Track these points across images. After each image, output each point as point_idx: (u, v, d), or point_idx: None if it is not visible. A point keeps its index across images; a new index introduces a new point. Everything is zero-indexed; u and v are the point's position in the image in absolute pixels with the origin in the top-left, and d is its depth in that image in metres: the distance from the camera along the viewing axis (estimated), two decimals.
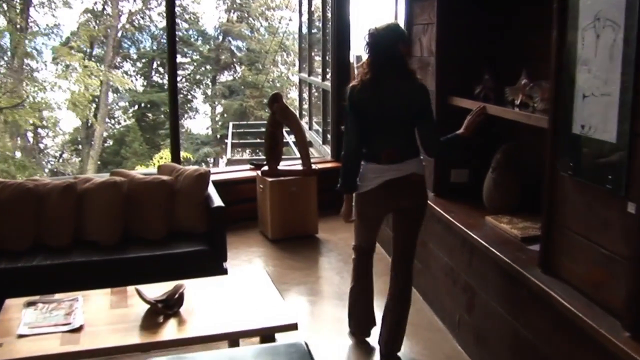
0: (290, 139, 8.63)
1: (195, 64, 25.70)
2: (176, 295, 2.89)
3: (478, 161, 3.69)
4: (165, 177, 4.17)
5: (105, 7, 23.79)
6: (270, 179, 5.17)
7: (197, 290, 3.03)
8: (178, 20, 25.50)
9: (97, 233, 3.98)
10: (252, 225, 5.59)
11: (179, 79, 25.32)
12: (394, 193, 3.07)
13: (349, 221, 3.31)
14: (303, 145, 5.27)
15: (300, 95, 11.37)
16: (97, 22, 23.74)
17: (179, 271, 3.73)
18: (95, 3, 23.40)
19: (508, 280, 2.80)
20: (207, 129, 25.81)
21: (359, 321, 3.52)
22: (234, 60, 25.96)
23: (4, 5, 20.09)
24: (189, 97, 25.75)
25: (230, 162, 8.20)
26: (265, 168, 5.33)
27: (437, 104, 3.70)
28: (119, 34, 24.27)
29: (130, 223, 4.06)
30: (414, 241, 3.22)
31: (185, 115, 25.22)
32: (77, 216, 4.00)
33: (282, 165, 5.37)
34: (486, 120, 3.22)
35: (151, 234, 4.05)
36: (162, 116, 23.71)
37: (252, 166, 5.92)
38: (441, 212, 3.54)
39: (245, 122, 18.99)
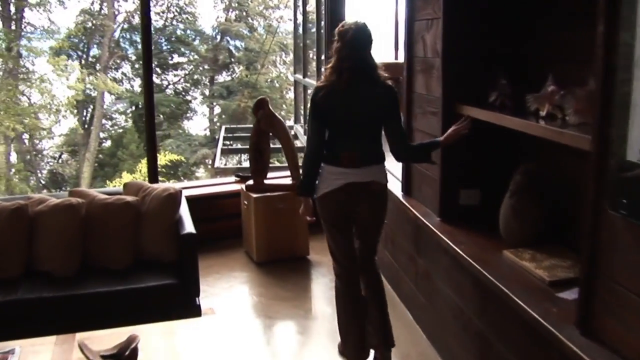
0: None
1: (193, 64, 25.28)
2: (127, 352, 2.37)
3: (491, 180, 3.15)
4: (129, 198, 3.62)
5: (102, 7, 23.33)
6: (254, 195, 4.62)
7: (157, 341, 2.52)
8: (174, 21, 25.11)
9: (51, 262, 3.45)
10: (237, 245, 5.05)
11: (176, 79, 25.16)
12: (352, 198, 2.99)
13: (311, 219, 3.23)
14: (292, 156, 4.70)
15: (295, 97, 10.81)
16: (94, 22, 23.31)
17: (143, 309, 3.28)
18: (92, 3, 22.98)
19: (534, 338, 2.24)
20: (205, 130, 25.34)
21: (355, 347, 3.21)
22: (232, 60, 25.54)
23: None
24: (188, 97, 25.33)
25: (217, 172, 7.61)
26: (250, 182, 4.78)
27: (443, 113, 3.15)
28: (116, 35, 23.83)
29: (89, 251, 3.53)
30: (373, 248, 3.21)
31: (184, 116, 24.83)
32: (28, 243, 3.48)
33: (270, 179, 4.81)
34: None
35: (113, 262, 3.52)
36: (161, 116, 23.34)
37: (237, 178, 5.36)
38: (448, 242, 2.97)
39: (238, 126, 18.36)
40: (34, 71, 21.12)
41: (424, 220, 3.34)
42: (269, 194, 4.63)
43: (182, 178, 20.21)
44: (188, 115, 25.38)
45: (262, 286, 4.37)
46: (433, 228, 3.20)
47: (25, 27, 21.43)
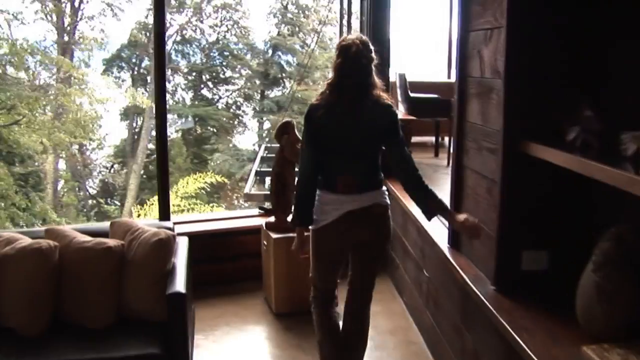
0: None
1: (244, 78, 25.12)
2: None
3: (564, 239, 2.39)
4: (112, 243, 2.99)
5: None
6: (274, 235, 3.93)
7: None
8: (227, 35, 25.13)
9: (16, 318, 2.87)
10: (257, 289, 4.36)
11: (227, 93, 25.06)
12: (353, 226, 2.75)
13: (303, 256, 2.95)
14: None
15: None
16: (147, 35, 23.39)
17: None
18: (147, 16, 23.05)
19: None
20: (254, 145, 25.05)
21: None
22: (283, 75, 25.28)
23: (53, 16, 19.76)
24: (239, 112, 25.15)
25: (248, 198, 6.94)
26: (271, 219, 4.10)
27: (504, 152, 2.39)
28: (167, 46, 23.87)
29: (62, 305, 2.94)
30: (372, 279, 2.96)
31: (234, 131, 24.64)
32: None
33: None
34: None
35: (91, 321, 2.91)
36: (211, 129, 23.17)
37: (261, 212, 4.69)
38: (505, 324, 2.20)
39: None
40: (87, 81, 21.22)
41: (474, 288, 2.58)
42: (290, 234, 3.92)
43: (220, 202, 19.49)
44: (239, 130, 25.24)
45: (278, 346, 3.67)
46: (485, 301, 2.43)
47: (79, 38, 21.57)
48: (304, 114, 2.79)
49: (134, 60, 23.80)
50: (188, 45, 24.96)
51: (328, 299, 2.98)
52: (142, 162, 22.13)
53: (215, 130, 24.13)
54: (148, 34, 23.34)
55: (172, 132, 24.47)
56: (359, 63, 2.64)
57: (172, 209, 11.24)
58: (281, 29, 25.68)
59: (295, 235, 2.96)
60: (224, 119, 24.15)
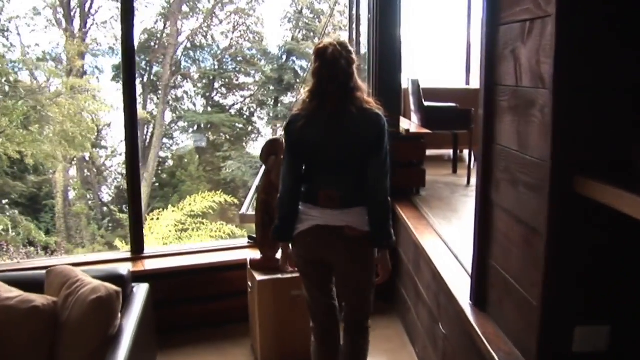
0: None
1: (258, 84, 24.68)
2: None
3: (629, 311, 1.72)
4: (42, 300, 2.35)
5: (166, 25, 22.99)
6: (259, 277, 3.27)
7: None
8: (241, 39, 24.89)
9: None
10: (244, 332, 3.70)
11: (241, 99, 24.70)
12: (320, 244, 2.57)
13: (291, 269, 2.93)
14: None
15: None
16: (157, 41, 23.02)
17: None
18: (156, 22, 22.67)
19: None
20: None
21: None
22: (297, 80, 24.84)
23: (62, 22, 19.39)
24: (253, 119, 24.71)
25: (243, 220, 6.21)
26: (257, 256, 3.44)
27: (550, 191, 1.71)
28: (178, 53, 23.52)
29: None
30: (360, 311, 2.72)
31: (248, 138, 24.19)
32: None
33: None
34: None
35: None
36: (224, 136, 22.74)
37: (250, 242, 4.02)
38: None
39: None
40: (98, 90, 20.86)
41: None
42: (279, 276, 3.26)
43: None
44: (252, 137, 24.81)
45: None
46: None
47: (91, 44, 21.21)
48: (285, 124, 2.62)
49: (143, 66, 23.52)
50: (199, 51, 24.65)
51: (326, 327, 2.74)
52: (153, 170, 21.81)
53: (228, 137, 23.77)
54: (157, 40, 23.04)
55: (185, 141, 24.15)
56: (337, 65, 2.44)
57: (175, 226, 10.68)
58: (295, 34, 25.36)
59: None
60: (239, 125, 23.77)
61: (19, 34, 17.57)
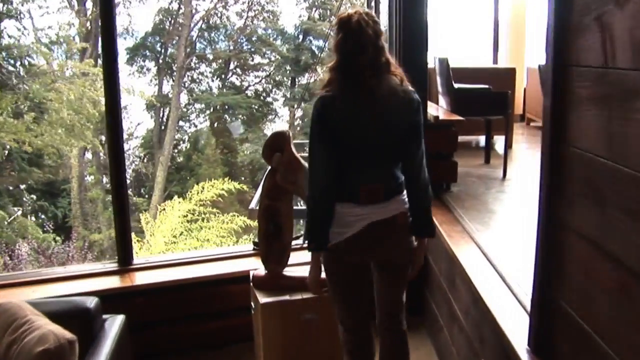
0: None
1: (274, 64, 24.21)
2: None
3: None
4: None
5: (180, 5, 22.52)
6: (263, 299, 2.74)
7: None
8: (255, 19, 24.59)
9: None
10: (248, 353, 3.20)
11: (257, 80, 24.33)
12: (374, 242, 2.28)
13: (322, 292, 2.43)
14: None
15: None
16: (172, 21, 22.59)
17: None
18: (171, 2, 22.21)
19: None
20: None
21: None
22: (315, 61, 24.35)
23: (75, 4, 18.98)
24: (269, 99, 24.29)
25: (251, 215, 5.65)
26: (261, 271, 2.91)
27: None
28: (193, 34, 23.11)
29: None
30: (401, 297, 2.46)
31: (265, 119, 23.76)
32: None
33: (292, 266, 2.90)
34: None
35: None
36: (241, 117, 22.36)
37: (256, 248, 3.50)
38: None
39: (305, 141, 16.07)
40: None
41: None
42: (287, 297, 2.73)
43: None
44: (269, 117, 24.41)
45: None
46: None
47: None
48: (314, 109, 2.22)
49: (158, 49, 23.23)
50: (214, 32, 24.30)
51: (363, 342, 2.46)
52: (169, 153, 21.53)
53: (245, 119, 23.52)
54: (172, 20, 22.65)
55: (201, 122, 23.82)
56: (364, 35, 2.14)
57: (187, 216, 10.19)
58: (311, 13, 24.96)
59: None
60: (255, 106, 23.47)
61: (31, 17, 17.21)
